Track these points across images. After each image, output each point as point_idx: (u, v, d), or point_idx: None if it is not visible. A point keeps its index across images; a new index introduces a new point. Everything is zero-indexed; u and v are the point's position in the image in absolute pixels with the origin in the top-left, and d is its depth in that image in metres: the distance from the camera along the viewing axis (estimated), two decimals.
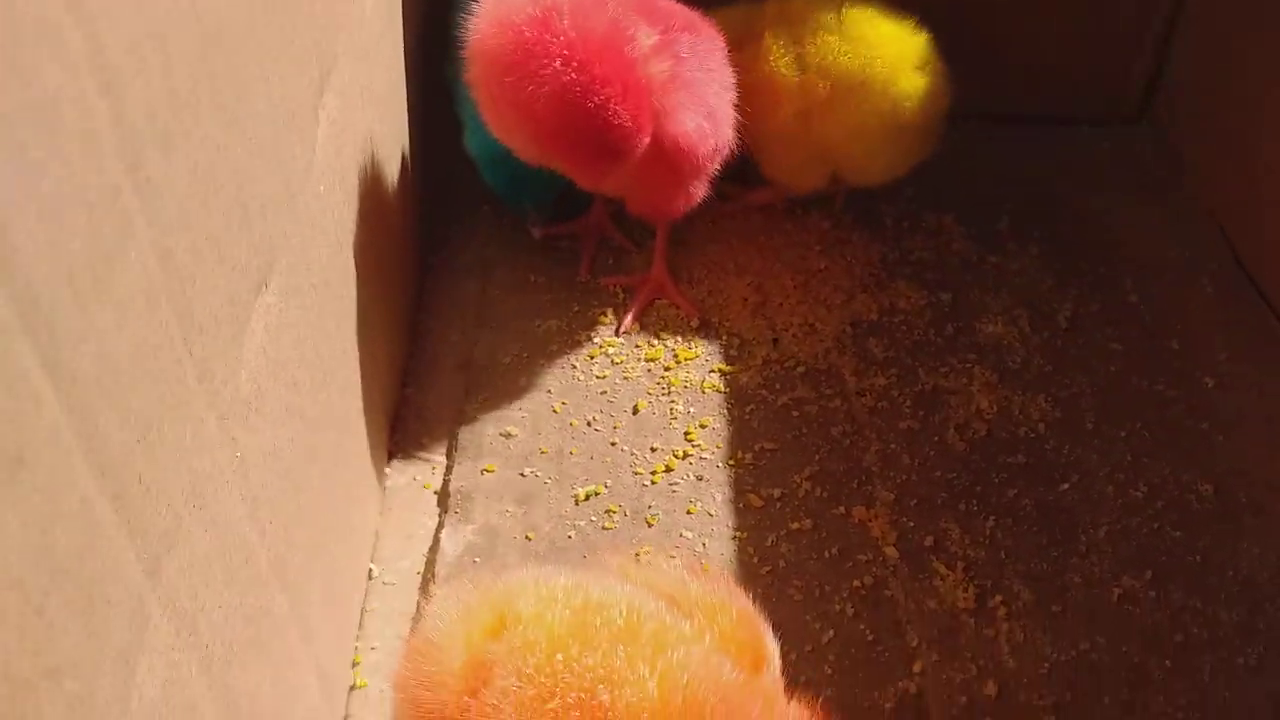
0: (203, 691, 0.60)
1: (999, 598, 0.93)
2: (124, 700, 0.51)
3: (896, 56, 1.14)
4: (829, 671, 0.90)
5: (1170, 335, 1.13)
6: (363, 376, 0.99)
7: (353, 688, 0.93)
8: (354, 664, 0.94)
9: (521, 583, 0.63)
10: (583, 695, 0.55)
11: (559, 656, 0.57)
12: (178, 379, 0.58)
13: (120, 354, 0.50)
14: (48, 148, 0.44)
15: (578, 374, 1.14)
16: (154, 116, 0.54)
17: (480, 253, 1.29)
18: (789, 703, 0.62)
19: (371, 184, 1.02)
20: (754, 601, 0.67)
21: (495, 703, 0.56)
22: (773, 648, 0.65)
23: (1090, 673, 0.88)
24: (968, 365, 1.11)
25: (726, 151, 1.08)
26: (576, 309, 1.21)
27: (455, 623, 0.61)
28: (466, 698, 0.57)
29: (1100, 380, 1.09)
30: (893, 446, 1.05)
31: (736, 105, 1.08)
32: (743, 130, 1.10)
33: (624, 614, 0.59)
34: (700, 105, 1.02)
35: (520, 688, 0.56)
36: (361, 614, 0.98)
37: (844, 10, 1.15)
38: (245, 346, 0.69)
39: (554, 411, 1.11)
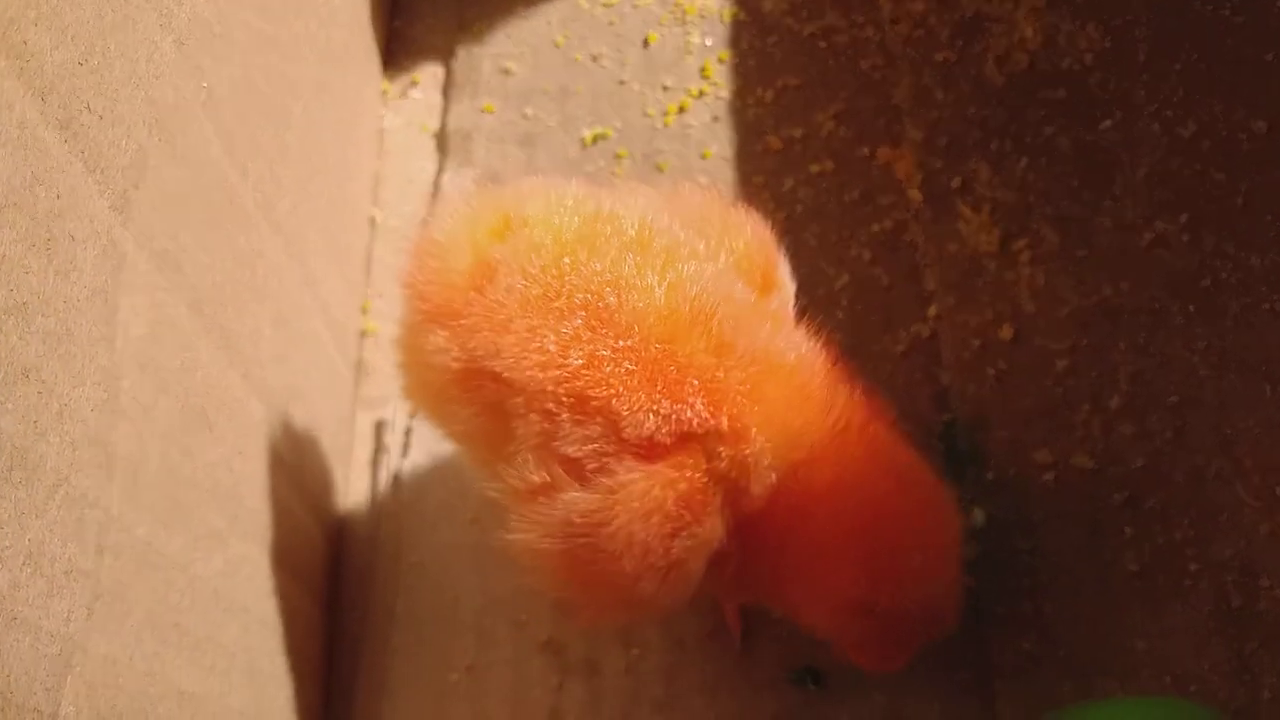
0: (196, 332, 0.59)
1: (1024, 241, 0.89)
2: (108, 339, 0.49)
3: None
4: (841, 316, 0.88)
5: None
6: (343, 2, 0.90)
7: (364, 333, 0.93)
8: (364, 310, 0.94)
9: (531, 189, 0.61)
10: (589, 297, 0.55)
11: (566, 260, 0.56)
12: None
13: None
14: None
15: (580, 0, 1.04)
16: None
17: None
18: (797, 328, 0.61)
19: None
20: None
21: (500, 299, 0.56)
22: (786, 275, 0.64)
23: (1109, 317, 0.86)
24: None
25: None
26: None
27: (462, 224, 0.60)
28: (472, 293, 0.57)
29: (1160, 4, 0.98)
30: (926, 81, 0.97)
31: None
32: None
33: (636, 226, 0.57)
34: None
35: (526, 286, 0.55)
36: (368, 260, 0.96)
37: None
38: None
39: (556, 45, 1.02)
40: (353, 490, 0.87)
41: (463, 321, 0.57)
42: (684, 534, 0.54)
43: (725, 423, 0.54)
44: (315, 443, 0.79)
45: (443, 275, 0.58)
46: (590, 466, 0.54)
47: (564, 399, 0.54)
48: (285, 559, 0.71)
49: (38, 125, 0.44)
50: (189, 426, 0.57)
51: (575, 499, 0.54)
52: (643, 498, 0.53)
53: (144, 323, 0.53)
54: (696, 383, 0.54)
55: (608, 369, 0.54)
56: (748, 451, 0.54)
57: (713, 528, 0.55)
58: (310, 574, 0.78)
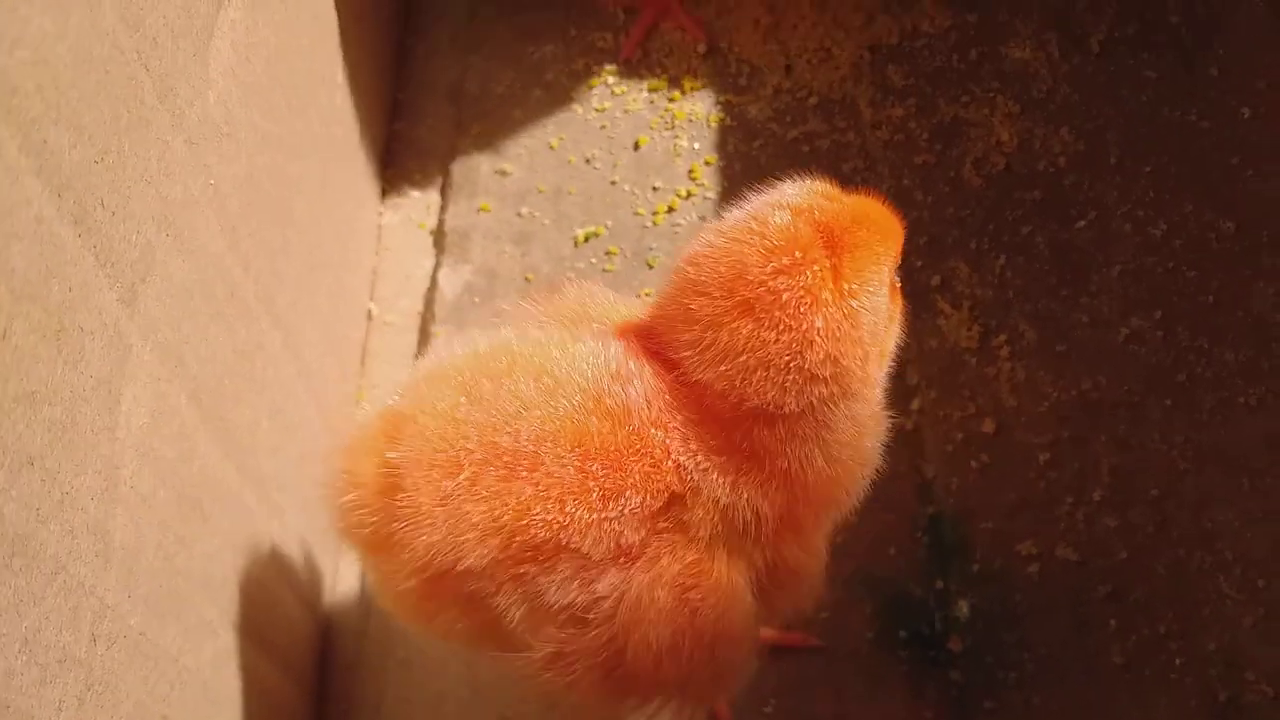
0: (195, 423, 0.60)
1: (1003, 337, 0.92)
2: (110, 429, 0.50)
3: None
4: None
5: (1210, 61, 1.05)
6: (345, 103, 0.93)
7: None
8: (358, 401, 0.95)
9: (410, 381, 0.60)
10: (487, 451, 0.53)
11: (449, 430, 0.54)
12: (134, 96, 0.53)
13: (61, 62, 0.45)
14: None
15: (575, 106, 1.08)
16: None
17: None
18: None
19: None
20: None
21: (410, 495, 0.54)
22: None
23: (1089, 411, 0.88)
24: (990, 94, 1.04)
25: None
26: (574, 33, 1.13)
27: (360, 449, 0.58)
28: (384, 500, 0.56)
29: (1129, 110, 1.03)
30: (906, 182, 1.00)
31: None
32: None
33: (503, 357, 0.56)
34: None
35: (429, 473, 0.54)
36: (363, 354, 0.98)
37: None
38: (210, 65, 0.64)
39: (551, 148, 1.06)
40: (342, 582, 0.86)
41: (396, 540, 0.55)
42: (700, 612, 0.52)
43: (675, 482, 0.52)
44: (306, 534, 0.79)
45: (361, 506, 0.57)
46: (582, 602, 0.52)
47: (522, 556, 0.52)
48: (275, 651, 0.71)
49: (54, 221, 0.46)
50: (185, 516, 0.58)
51: (584, 638, 0.53)
52: (635, 608, 0.52)
53: (145, 413, 0.54)
54: (627, 464, 0.52)
55: (537, 509, 0.52)
56: (720, 494, 0.52)
57: (728, 586, 0.53)
58: (299, 666, 0.77)
